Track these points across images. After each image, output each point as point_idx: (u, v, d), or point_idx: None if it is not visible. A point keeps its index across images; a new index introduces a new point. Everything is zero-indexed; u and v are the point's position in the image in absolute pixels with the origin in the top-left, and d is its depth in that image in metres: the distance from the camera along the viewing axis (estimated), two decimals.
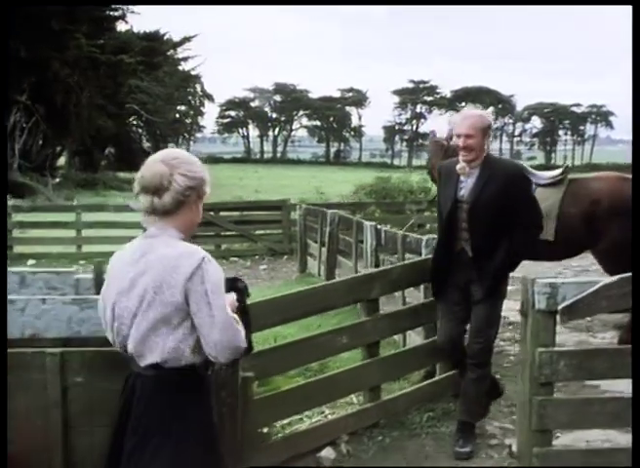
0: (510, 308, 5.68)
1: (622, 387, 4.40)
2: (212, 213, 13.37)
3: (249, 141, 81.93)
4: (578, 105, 78.28)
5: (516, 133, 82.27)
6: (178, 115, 55.97)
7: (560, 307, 3.63)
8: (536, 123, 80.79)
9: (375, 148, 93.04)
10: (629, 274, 3.67)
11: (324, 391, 4.45)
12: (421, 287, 5.34)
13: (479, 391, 4.48)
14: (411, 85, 78.57)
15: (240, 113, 79.87)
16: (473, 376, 4.41)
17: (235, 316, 2.55)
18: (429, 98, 79.19)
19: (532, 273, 11.00)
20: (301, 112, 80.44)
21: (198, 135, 76.74)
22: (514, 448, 4.21)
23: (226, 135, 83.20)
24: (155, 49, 38.96)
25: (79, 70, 30.97)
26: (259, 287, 10.66)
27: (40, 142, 35.12)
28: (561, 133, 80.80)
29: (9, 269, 3.78)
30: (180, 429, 2.52)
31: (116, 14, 35.51)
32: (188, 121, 63.94)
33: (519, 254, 4.40)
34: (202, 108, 66.73)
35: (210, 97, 66.16)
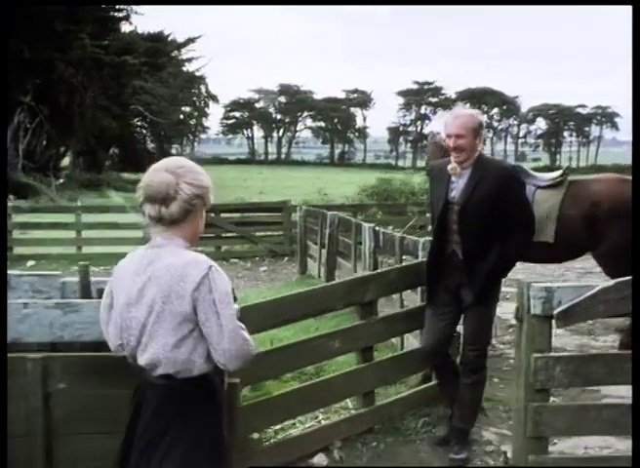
0: (511, 311, 5.60)
1: (623, 392, 4.31)
2: (212, 214, 13.31)
3: (253, 142, 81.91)
4: (583, 106, 78.07)
5: (521, 134, 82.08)
6: (182, 116, 55.97)
7: (556, 312, 3.54)
8: (540, 124, 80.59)
9: (379, 149, 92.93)
10: (628, 278, 3.58)
11: (317, 396, 4.38)
12: (418, 289, 5.26)
13: (475, 397, 4.40)
14: (415, 86, 78.46)
15: (244, 114, 79.84)
16: (468, 382, 4.32)
17: (242, 324, 2.53)
18: (434, 100, 78.99)
19: (534, 274, 11.03)
20: (306, 113, 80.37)
21: (202, 136, 76.96)
22: (510, 455, 4.13)
23: (231, 136, 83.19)
24: (159, 50, 38.99)
25: (83, 71, 30.98)
26: (258, 288, 10.63)
27: (44, 143, 35.14)
28: (566, 134, 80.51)
29: None
30: (190, 439, 2.52)
31: (120, 14, 35.56)
32: (193, 122, 63.98)
33: (511, 257, 4.30)
34: (206, 109, 66.87)
35: (214, 98, 66.22)
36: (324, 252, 10.12)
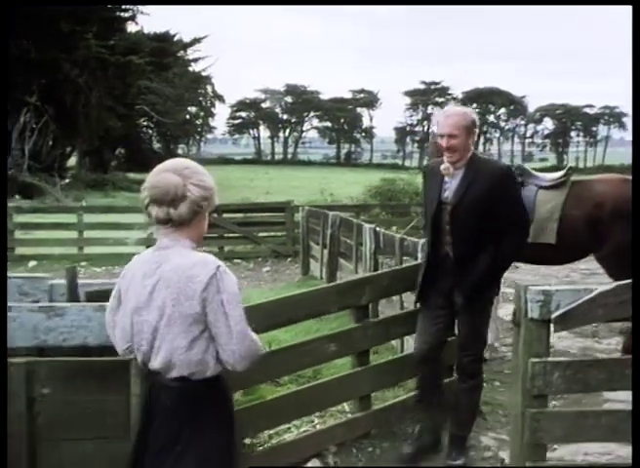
0: None
1: (625, 396, 4.22)
2: (215, 214, 13.25)
3: (259, 143, 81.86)
4: (590, 106, 77.68)
5: (528, 134, 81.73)
6: (188, 116, 55.98)
7: (554, 316, 3.46)
8: (547, 124, 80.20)
9: (386, 149, 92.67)
10: (627, 281, 3.49)
11: (312, 400, 4.30)
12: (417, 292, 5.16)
13: (472, 402, 4.30)
14: (422, 86, 78.24)
15: (251, 114, 79.78)
16: (465, 387, 4.22)
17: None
18: (441, 100, 78.73)
19: (538, 275, 10.93)
20: (312, 113, 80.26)
21: (209, 136, 77.00)
22: (507, 462, 4.05)
23: (237, 136, 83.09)
24: (165, 50, 39.03)
25: (88, 71, 31.01)
26: (261, 289, 10.56)
27: (50, 143, 35.19)
28: (573, 134, 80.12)
29: None
30: (204, 440, 2.52)
31: (126, 15, 35.60)
32: (199, 122, 63.99)
33: (505, 259, 4.18)
34: (213, 109, 66.86)
35: (220, 98, 66.29)
36: (326, 252, 10.05)
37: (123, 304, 2.61)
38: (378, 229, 7.48)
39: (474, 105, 77.15)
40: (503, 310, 7.75)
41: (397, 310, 6.05)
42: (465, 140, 4.04)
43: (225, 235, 13.92)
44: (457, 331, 4.33)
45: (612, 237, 5.94)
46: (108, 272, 11.91)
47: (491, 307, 4.27)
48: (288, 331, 5.94)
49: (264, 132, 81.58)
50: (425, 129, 78.45)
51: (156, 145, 49.89)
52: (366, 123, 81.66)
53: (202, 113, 64.15)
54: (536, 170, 6.76)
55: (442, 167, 4.10)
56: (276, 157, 78.83)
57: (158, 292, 2.48)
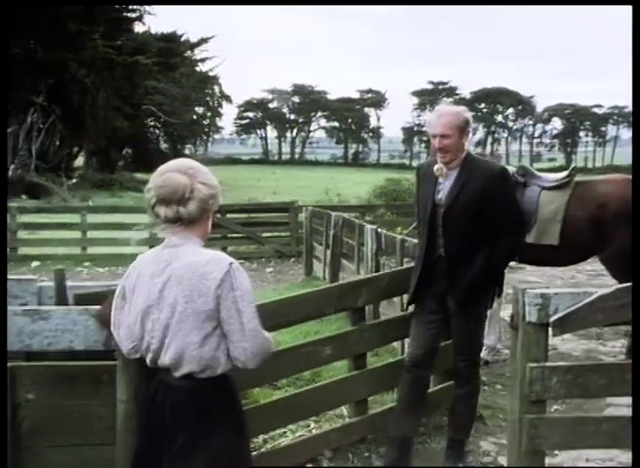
0: None
1: (628, 401, 4.13)
2: (219, 214, 13.21)
3: (267, 143, 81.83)
4: (599, 106, 77.29)
5: (536, 134, 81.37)
6: (195, 116, 55.97)
7: (552, 320, 3.37)
8: (556, 124, 79.83)
9: (393, 149, 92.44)
10: (627, 284, 3.41)
11: (307, 404, 4.22)
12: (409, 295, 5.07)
13: (468, 407, 4.21)
14: (430, 86, 78.04)
15: (258, 114, 79.77)
16: (462, 392, 4.14)
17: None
18: (449, 100, 78.48)
19: (544, 277, 10.83)
20: (320, 113, 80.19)
21: (216, 136, 76.98)
22: None
23: (244, 136, 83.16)
24: (172, 50, 39.09)
25: (95, 71, 31.04)
26: (264, 289, 10.51)
27: (57, 143, 35.27)
28: (582, 134, 79.73)
29: None
30: (213, 439, 2.52)
31: (133, 15, 35.66)
32: (206, 122, 63.99)
33: (498, 263, 4.07)
34: (220, 109, 66.85)
35: (228, 99, 66.25)
36: (328, 253, 9.99)
37: (129, 303, 2.60)
38: (379, 230, 7.41)
39: (482, 105, 77.10)
40: (507, 311, 7.66)
41: (398, 312, 5.97)
42: (459, 140, 3.94)
43: (229, 235, 13.86)
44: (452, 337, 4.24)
45: (616, 238, 5.85)
46: (112, 272, 11.87)
47: (486, 311, 4.17)
48: (287, 333, 5.87)
49: (272, 132, 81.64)
50: None
51: (163, 145, 49.85)
52: (373, 123, 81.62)
53: (209, 113, 64.14)
54: (544, 170, 6.68)
55: (435, 167, 4.00)
56: (283, 157, 78.79)
57: (169, 289, 2.48)
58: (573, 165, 7.06)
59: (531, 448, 3.48)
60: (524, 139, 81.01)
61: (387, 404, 4.84)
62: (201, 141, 68.53)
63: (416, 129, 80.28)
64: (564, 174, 6.31)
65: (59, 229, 14.04)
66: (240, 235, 13.97)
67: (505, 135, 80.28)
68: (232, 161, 68.93)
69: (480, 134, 78.73)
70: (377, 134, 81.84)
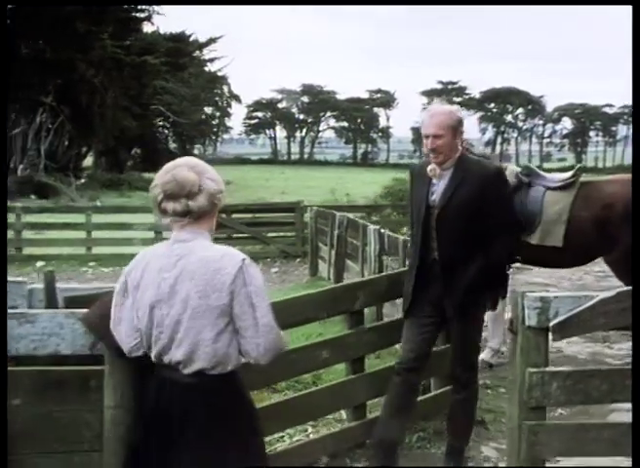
0: None
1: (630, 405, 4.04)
2: (224, 215, 13.17)
3: (276, 143, 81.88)
4: (610, 106, 76.92)
5: (546, 134, 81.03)
6: (204, 116, 56.02)
7: (552, 324, 3.28)
8: (566, 124, 79.50)
9: (403, 149, 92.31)
10: (630, 287, 3.32)
11: (304, 409, 4.14)
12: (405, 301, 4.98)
13: (467, 413, 4.12)
14: (439, 86, 77.84)
15: (267, 114, 79.84)
16: (459, 397, 4.05)
17: None
18: (458, 99, 78.25)
19: (552, 277, 10.70)
20: (329, 113, 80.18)
21: (225, 136, 77.14)
22: None
23: (254, 136, 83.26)
24: (181, 50, 39.14)
25: (103, 71, 31.09)
26: (269, 290, 10.41)
27: (66, 143, 35.36)
28: (592, 134, 79.36)
29: None
30: (225, 436, 2.50)
31: (142, 15, 35.70)
32: (215, 122, 64.06)
33: (496, 263, 3.97)
34: (229, 109, 66.96)
35: (237, 98, 66.39)
36: (333, 253, 9.94)
37: (132, 299, 2.57)
38: (382, 231, 7.34)
39: (492, 105, 76.86)
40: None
41: (401, 314, 5.89)
42: (452, 140, 3.84)
43: (234, 235, 13.80)
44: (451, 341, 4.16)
45: (622, 240, 5.73)
46: (116, 272, 11.81)
47: (484, 314, 4.08)
48: (289, 335, 5.79)
49: (281, 132, 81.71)
50: None
51: (172, 145, 49.94)
52: (383, 123, 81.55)
53: (218, 113, 64.23)
54: (554, 170, 6.59)
55: (428, 168, 3.91)
56: (292, 157, 78.81)
57: (181, 284, 2.46)
58: (578, 165, 6.94)
59: (530, 455, 3.40)
60: (534, 139, 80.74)
61: None
62: (210, 141, 68.62)
63: None
64: (569, 174, 6.21)
65: (63, 229, 14.01)
66: (245, 235, 13.92)
67: (515, 135, 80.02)
68: (241, 161, 69.02)
69: (490, 133, 78.58)
70: (386, 133, 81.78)
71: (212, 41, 42.24)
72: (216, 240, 2.60)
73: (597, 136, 79.59)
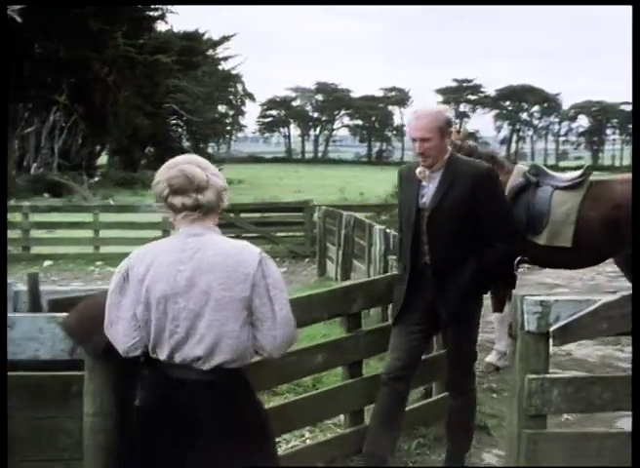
0: None
1: None
2: (232, 214, 13.09)
3: (290, 141, 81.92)
4: (627, 103, 76.16)
5: (562, 132, 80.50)
6: (217, 115, 56.07)
7: (552, 329, 3.15)
8: (582, 122, 78.96)
9: None
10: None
11: (301, 414, 4.03)
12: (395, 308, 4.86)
13: (465, 419, 3.99)
14: (454, 84, 77.61)
15: (281, 112, 79.96)
16: (457, 404, 3.92)
17: None
18: (473, 97, 78.01)
19: (561, 278, 10.53)
20: (343, 111, 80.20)
21: (240, 134, 77.27)
22: None
23: (268, 134, 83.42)
24: (194, 48, 39.20)
25: (116, 69, 31.17)
26: None
27: (79, 142, 35.53)
28: (609, 132, 78.75)
29: None
30: (242, 433, 2.49)
31: (156, 14, 35.78)
32: (229, 120, 64.12)
33: (489, 274, 3.81)
34: (243, 108, 67.02)
35: (251, 97, 66.44)
36: (340, 253, 9.83)
37: (134, 296, 2.50)
38: (387, 231, 7.22)
39: (507, 103, 76.44)
40: None
41: None
42: (440, 142, 3.70)
43: (243, 235, 13.68)
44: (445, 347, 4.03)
45: (631, 240, 5.59)
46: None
47: (477, 320, 3.94)
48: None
49: (295, 130, 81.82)
50: (458, 127, 77.66)
51: (186, 144, 50.00)
52: (397, 121, 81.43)
53: (232, 111, 64.29)
54: (570, 168, 6.45)
55: (417, 171, 3.77)
56: (307, 155, 78.86)
57: (199, 276, 2.44)
58: (586, 164, 6.78)
59: (529, 465, 3.28)
60: (550, 137, 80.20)
61: None
62: (224, 140, 68.73)
63: None
64: (578, 173, 6.06)
65: (71, 228, 13.98)
66: (254, 235, 13.80)
67: (531, 133, 79.57)
68: (255, 159, 69.14)
69: (505, 132, 78.17)
70: (400, 132, 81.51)
71: (225, 39, 42.30)
72: None
73: (614, 133, 78.93)
